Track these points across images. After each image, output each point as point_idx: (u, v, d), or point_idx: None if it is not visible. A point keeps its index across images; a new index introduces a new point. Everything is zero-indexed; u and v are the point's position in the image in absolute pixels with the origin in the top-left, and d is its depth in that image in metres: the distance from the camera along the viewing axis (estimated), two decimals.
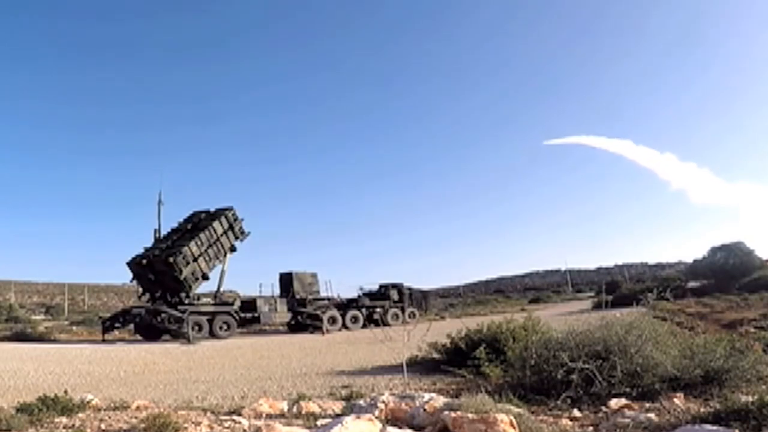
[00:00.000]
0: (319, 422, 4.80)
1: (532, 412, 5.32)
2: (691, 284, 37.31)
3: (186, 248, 24.73)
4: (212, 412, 5.89)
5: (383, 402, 5.25)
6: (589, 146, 45.45)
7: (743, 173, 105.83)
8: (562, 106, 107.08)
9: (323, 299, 29.60)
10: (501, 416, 4.14)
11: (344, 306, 29.66)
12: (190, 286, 25.08)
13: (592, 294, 50.54)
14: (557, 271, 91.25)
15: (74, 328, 31.12)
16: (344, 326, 27.95)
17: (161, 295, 25.22)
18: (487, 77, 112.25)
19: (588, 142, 44.60)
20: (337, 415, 5.13)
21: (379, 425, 4.13)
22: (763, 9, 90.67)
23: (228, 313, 25.48)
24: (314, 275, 30.00)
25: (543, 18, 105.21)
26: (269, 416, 5.66)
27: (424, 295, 35.05)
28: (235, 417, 5.40)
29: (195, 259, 25.10)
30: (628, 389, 6.07)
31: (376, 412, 4.91)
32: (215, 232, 26.50)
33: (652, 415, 4.90)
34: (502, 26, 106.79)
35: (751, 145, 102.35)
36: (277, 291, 28.80)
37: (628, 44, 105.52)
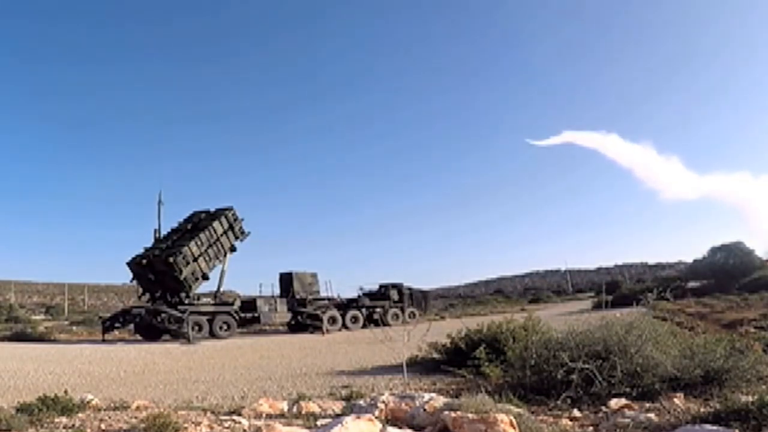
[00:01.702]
0: (319, 422, 4.80)
1: (532, 412, 5.31)
2: (691, 284, 37.33)
3: (186, 248, 24.74)
4: (212, 412, 5.88)
5: (383, 402, 5.25)
6: (578, 144, 44.76)
7: (717, 164, 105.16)
8: (561, 105, 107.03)
9: (323, 299, 29.58)
10: (501, 416, 4.14)
11: (344, 306, 29.65)
12: (190, 286, 25.08)
13: (592, 294, 50.49)
14: (557, 271, 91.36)
15: (74, 328, 31.16)
16: (344, 326, 27.95)
17: (161, 295, 25.23)
18: (486, 78, 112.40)
19: (573, 139, 43.95)
20: (337, 415, 5.12)
21: (379, 425, 4.13)
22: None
23: (228, 313, 25.49)
24: (314, 275, 30.00)
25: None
26: (269, 416, 5.66)
27: (424, 295, 35.01)
28: (235, 417, 5.39)
29: (195, 259, 25.11)
30: (628, 389, 6.06)
31: (376, 412, 4.90)
32: (215, 232, 26.50)
33: (652, 415, 4.90)
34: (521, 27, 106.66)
35: (723, 134, 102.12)
36: (277, 291, 28.82)
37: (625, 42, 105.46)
